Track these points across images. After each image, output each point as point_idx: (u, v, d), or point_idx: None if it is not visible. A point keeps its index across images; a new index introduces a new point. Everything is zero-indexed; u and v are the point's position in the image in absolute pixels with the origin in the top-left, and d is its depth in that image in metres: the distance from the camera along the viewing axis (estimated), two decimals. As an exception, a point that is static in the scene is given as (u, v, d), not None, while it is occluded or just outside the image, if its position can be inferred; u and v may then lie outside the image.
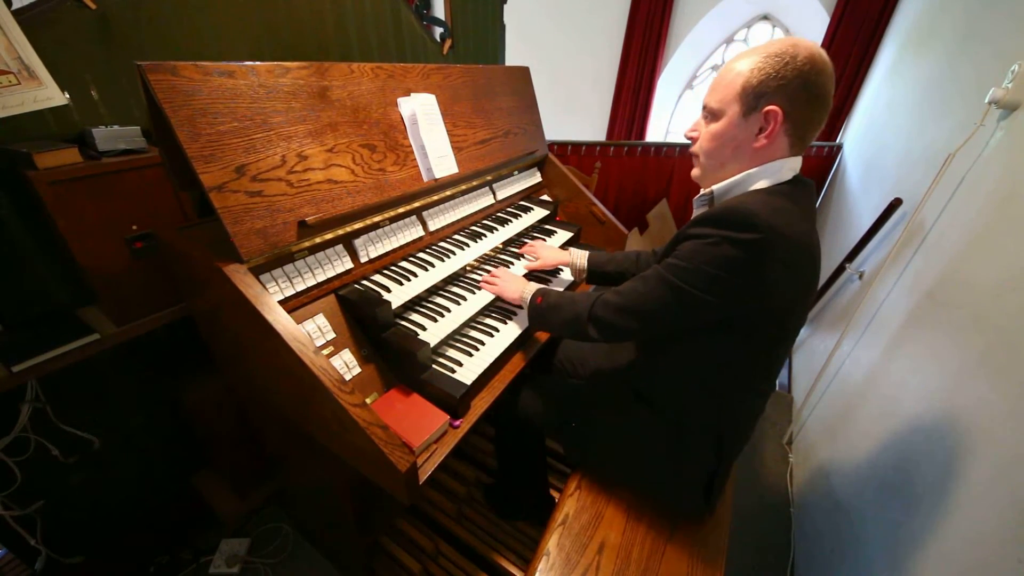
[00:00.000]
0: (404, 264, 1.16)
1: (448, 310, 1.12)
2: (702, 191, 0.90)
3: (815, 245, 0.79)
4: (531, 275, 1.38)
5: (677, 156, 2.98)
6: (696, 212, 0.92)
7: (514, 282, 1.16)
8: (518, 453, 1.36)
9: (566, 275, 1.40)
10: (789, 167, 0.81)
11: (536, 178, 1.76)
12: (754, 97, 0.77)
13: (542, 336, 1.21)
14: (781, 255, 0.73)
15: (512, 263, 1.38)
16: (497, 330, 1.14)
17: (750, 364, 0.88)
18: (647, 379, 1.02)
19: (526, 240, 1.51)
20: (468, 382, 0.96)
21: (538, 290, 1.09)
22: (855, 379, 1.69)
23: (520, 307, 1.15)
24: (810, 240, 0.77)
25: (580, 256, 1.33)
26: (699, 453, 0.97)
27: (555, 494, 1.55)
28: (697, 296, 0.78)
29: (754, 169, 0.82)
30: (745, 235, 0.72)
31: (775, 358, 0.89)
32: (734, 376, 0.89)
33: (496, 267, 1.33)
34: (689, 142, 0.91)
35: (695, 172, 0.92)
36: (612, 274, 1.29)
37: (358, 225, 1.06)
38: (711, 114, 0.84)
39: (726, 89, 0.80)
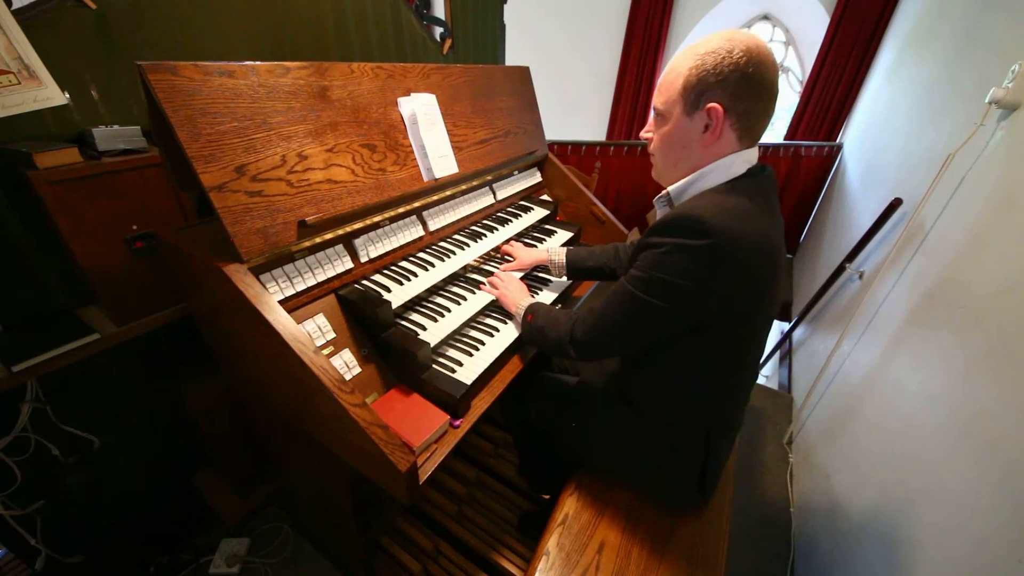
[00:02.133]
0: (404, 264, 1.16)
1: (448, 310, 1.12)
2: (662, 192, 0.92)
3: (771, 238, 0.78)
4: (530, 275, 1.38)
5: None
6: (658, 213, 0.93)
7: (514, 293, 1.17)
8: (540, 456, 1.37)
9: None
10: (742, 160, 0.81)
11: (536, 178, 1.76)
12: (695, 95, 0.78)
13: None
14: (734, 257, 0.73)
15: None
16: (497, 330, 1.14)
17: (726, 360, 0.88)
18: (630, 383, 1.03)
19: (526, 240, 1.51)
20: (468, 382, 0.96)
21: (529, 307, 1.09)
22: (855, 379, 1.69)
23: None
24: (765, 235, 0.77)
25: (558, 254, 1.33)
26: (688, 448, 0.97)
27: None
28: (659, 306, 0.78)
29: (706, 167, 0.82)
30: (696, 241, 0.72)
31: (751, 350, 0.90)
32: (712, 373, 0.90)
33: (499, 265, 1.34)
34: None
35: (653, 173, 0.93)
36: (593, 269, 1.30)
37: (358, 225, 1.06)
38: (659, 115, 0.85)
39: (669, 90, 0.81)
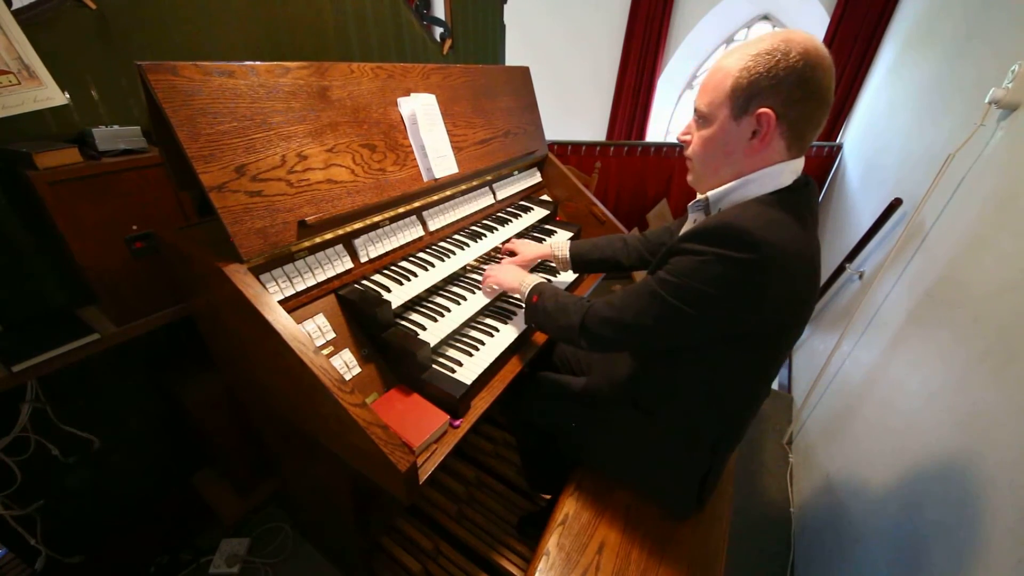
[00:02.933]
0: (404, 264, 1.16)
1: (448, 310, 1.12)
2: (697, 196, 0.87)
3: (814, 256, 0.76)
4: (534, 272, 1.38)
5: (677, 156, 2.98)
6: (691, 218, 0.90)
7: (514, 272, 1.14)
8: (542, 456, 1.37)
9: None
10: (790, 170, 0.77)
11: (536, 178, 1.76)
12: (745, 99, 0.72)
13: (542, 337, 1.21)
14: (777, 273, 0.70)
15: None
16: (497, 330, 1.14)
17: (749, 373, 0.87)
18: (644, 387, 1.01)
19: (526, 240, 1.51)
20: (468, 382, 0.96)
21: (535, 286, 1.05)
22: (855, 379, 1.69)
23: (521, 301, 1.12)
24: (809, 252, 0.74)
25: (561, 247, 1.30)
26: (695, 455, 0.97)
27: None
28: (689, 314, 0.75)
29: (751, 175, 0.77)
30: (741, 254, 0.69)
31: (774, 365, 0.88)
32: (732, 385, 0.88)
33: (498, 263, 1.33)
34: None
35: (690, 177, 0.88)
36: (598, 261, 1.28)
37: (358, 225, 1.06)
38: (702, 117, 0.80)
39: (715, 91, 0.75)
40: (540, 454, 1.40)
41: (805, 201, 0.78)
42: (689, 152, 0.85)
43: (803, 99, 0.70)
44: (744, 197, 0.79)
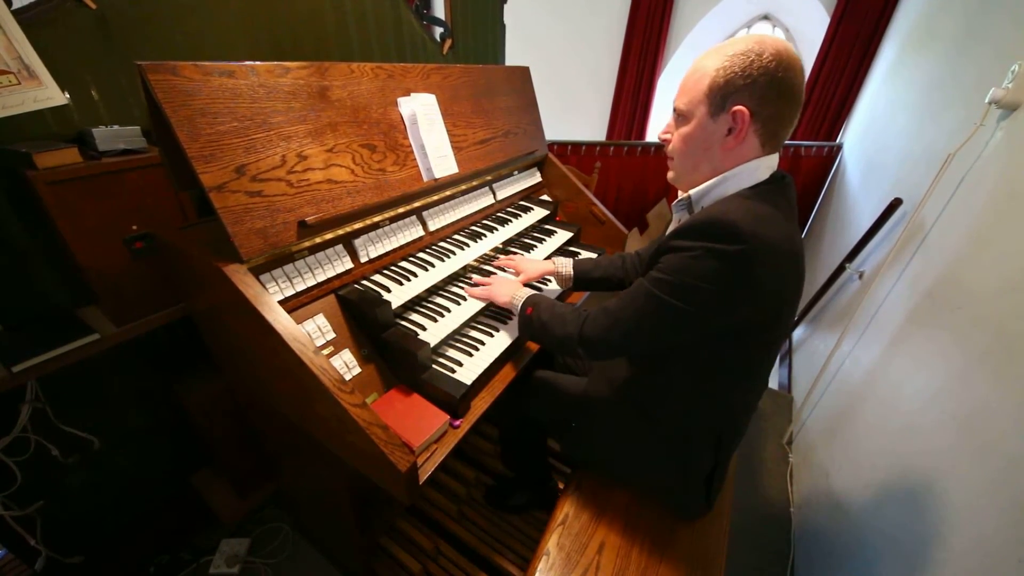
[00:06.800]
0: (404, 264, 1.16)
1: (448, 310, 1.12)
2: (680, 196, 0.89)
3: (798, 246, 0.78)
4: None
5: (677, 156, 2.97)
6: (675, 217, 0.92)
7: (506, 286, 1.13)
8: (524, 448, 1.38)
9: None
10: (766, 166, 0.80)
11: (536, 178, 1.76)
12: (721, 97, 0.76)
13: (542, 336, 1.21)
14: (766, 263, 0.72)
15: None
16: (497, 330, 1.13)
17: (745, 367, 0.87)
18: (641, 387, 1.01)
19: (526, 240, 1.51)
20: (468, 382, 0.96)
21: (528, 299, 1.05)
22: (855, 379, 1.69)
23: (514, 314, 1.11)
24: (793, 242, 0.77)
25: (565, 265, 1.29)
26: (699, 454, 0.97)
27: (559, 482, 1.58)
28: (684, 310, 0.76)
29: (729, 171, 0.81)
30: (729, 247, 0.71)
31: (769, 358, 0.89)
32: (730, 380, 0.89)
33: (493, 271, 1.32)
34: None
35: (670, 175, 0.91)
36: (598, 280, 1.27)
37: (358, 225, 1.06)
38: (681, 116, 0.83)
39: (693, 90, 0.79)
40: (525, 470, 1.44)
41: (783, 194, 0.81)
42: (669, 150, 0.88)
43: (776, 97, 0.74)
44: (724, 193, 0.82)
